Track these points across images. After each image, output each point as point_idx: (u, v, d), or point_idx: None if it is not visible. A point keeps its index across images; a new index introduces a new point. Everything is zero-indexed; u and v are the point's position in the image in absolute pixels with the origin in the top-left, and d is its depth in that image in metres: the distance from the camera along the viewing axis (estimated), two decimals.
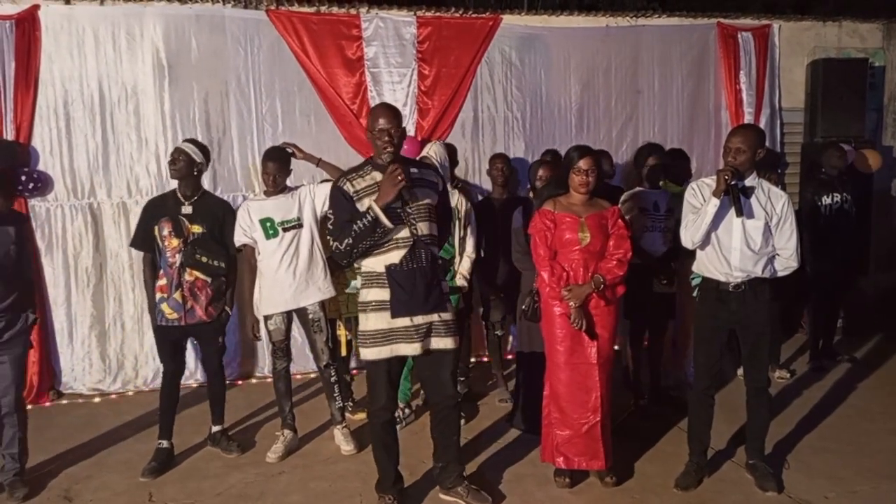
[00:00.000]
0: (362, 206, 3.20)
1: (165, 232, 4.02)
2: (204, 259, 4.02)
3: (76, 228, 5.37)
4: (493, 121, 6.11)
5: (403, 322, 3.27)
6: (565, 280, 3.56)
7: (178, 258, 4.01)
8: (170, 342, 4.13)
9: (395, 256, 3.24)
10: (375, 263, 3.27)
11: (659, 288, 4.62)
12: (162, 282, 4.05)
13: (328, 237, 3.28)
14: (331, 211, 3.29)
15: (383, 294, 3.27)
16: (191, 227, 4.04)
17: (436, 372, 3.44)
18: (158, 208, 4.11)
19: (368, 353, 3.32)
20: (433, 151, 4.41)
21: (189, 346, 4.46)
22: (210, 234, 4.08)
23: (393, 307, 3.26)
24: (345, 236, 3.16)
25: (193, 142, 4.19)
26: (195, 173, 4.10)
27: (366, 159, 3.49)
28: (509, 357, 5.57)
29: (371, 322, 3.30)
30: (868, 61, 6.80)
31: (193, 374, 5.49)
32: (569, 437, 3.65)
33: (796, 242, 3.54)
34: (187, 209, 4.06)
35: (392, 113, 3.27)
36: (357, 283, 4.35)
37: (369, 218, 3.14)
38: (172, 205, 4.08)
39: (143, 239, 4.11)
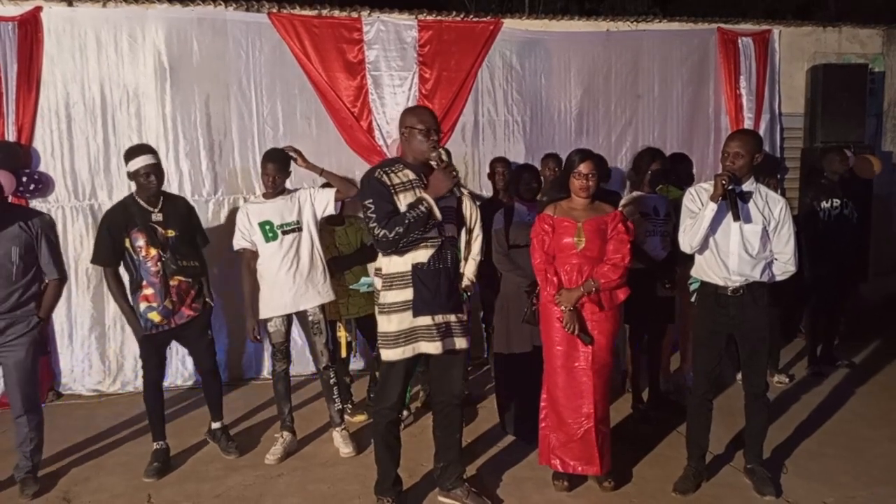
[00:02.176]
0: (398, 200, 3.23)
1: (140, 242, 3.89)
2: (184, 263, 3.99)
3: (77, 230, 5.38)
4: (493, 124, 6.12)
5: (425, 321, 3.30)
6: (557, 285, 3.57)
7: (160, 266, 3.92)
8: (160, 349, 4.10)
9: (423, 255, 3.28)
10: (402, 262, 3.28)
11: (661, 292, 4.63)
12: (147, 291, 3.93)
13: (370, 226, 3.22)
14: (370, 201, 3.23)
15: (405, 294, 3.28)
16: (166, 233, 3.96)
17: (447, 370, 3.49)
18: (125, 219, 3.91)
19: (392, 354, 3.32)
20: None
21: (180, 347, 4.43)
22: (182, 236, 4.02)
23: (415, 306, 3.28)
24: (394, 225, 3.17)
25: (146, 150, 3.97)
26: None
27: (394, 157, 3.52)
28: None
29: (394, 323, 3.31)
30: (868, 67, 6.81)
31: (192, 374, 5.50)
32: (564, 442, 3.66)
33: (794, 247, 3.55)
34: (158, 216, 3.96)
35: (433, 113, 3.42)
36: (369, 279, 4.35)
37: (422, 209, 3.18)
38: (139, 213, 3.92)
39: (111, 253, 3.93)
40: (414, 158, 3.34)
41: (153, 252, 3.91)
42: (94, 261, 4.04)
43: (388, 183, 3.26)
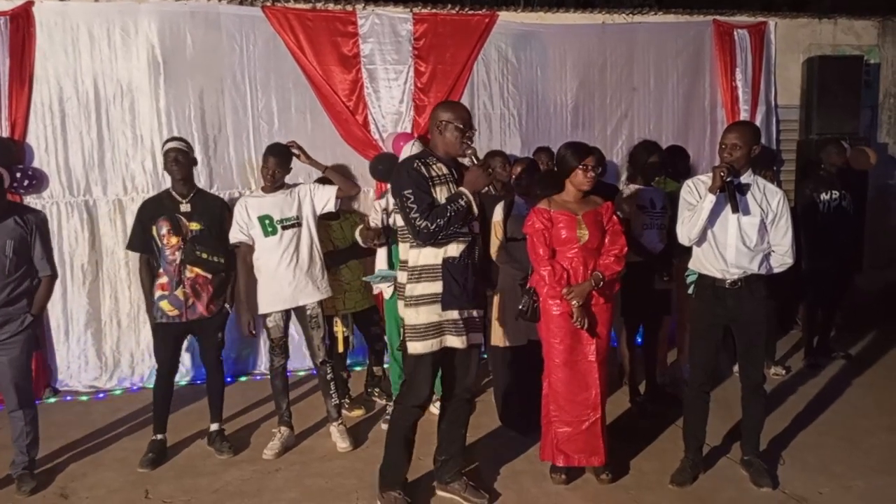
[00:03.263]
0: (434, 193, 3.22)
1: (164, 231, 4.03)
2: (204, 255, 4.04)
3: (72, 226, 5.35)
4: (489, 118, 6.10)
5: (452, 315, 3.30)
6: (566, 279, 3.56)
7: (177, 255, 4.02)
8: (170, 340, 4.13)
9: (454, 250, 3.27)
10: (433, 256, 3.26)
11: (660, 284, 4.63)
12: (162, 280, 4.06)
13: (410, 216, 3.17)
14: (409, 191, 3.19)
15: (434, 287, 3.27)
16: (189, 225, 4.06)
17: (464, 363, 3.47)
18: (155, 208, 4.11)
19: (420, 347, 3.29)
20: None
21: (185, 344, 4.44)
22: (209, 232, 4.09)
23: (444, 300, 3.27)
24: (436, 217, 3.15)
25: (178, 139, 4.24)
26: (192, 168, 4.18)
27: (425, 150, 3.50)
28: None
29: (422, 315, 3.29)
30: (863, 58, 6.82)
31: (189, 371, 5.49)
32: (569, 435, 3.65)
33: (791, 239, 3.56)
34: (186, 207, 4.08)
35: (469, 111, 3.40)
36: (385, 271, 4.34)
37: (462, 203, 3.18)
38: (169, 204, 4.09)
39: (141, 240, 4.12)
40: (445, 153, 3.33)
41: (174, 241, 4.03)
42: (128, 246, 4.33)
43: (427, 175, 3.25)
